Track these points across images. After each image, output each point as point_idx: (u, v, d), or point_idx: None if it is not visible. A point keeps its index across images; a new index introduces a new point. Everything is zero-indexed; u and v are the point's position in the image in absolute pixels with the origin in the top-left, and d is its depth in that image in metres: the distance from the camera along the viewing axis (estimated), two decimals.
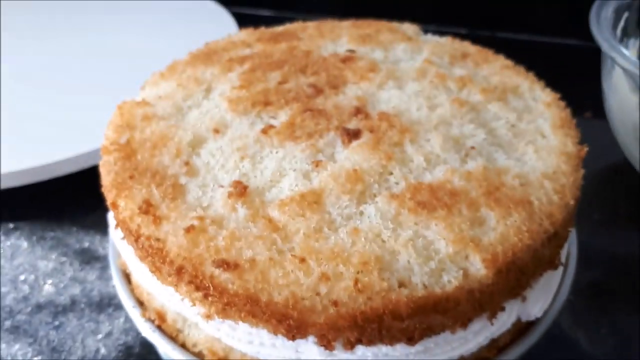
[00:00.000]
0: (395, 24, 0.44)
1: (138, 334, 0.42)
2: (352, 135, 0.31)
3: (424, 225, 0.26)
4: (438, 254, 0.25)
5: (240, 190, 0.28)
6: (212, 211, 0.27)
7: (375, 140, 0.30)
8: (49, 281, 0.46)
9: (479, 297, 0.25)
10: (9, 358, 0.40)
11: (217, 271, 0.24)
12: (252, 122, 0.33)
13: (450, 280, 0.24)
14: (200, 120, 0.33)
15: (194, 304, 0.26)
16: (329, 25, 0.44)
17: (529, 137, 0.32)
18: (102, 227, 0.51)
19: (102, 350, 0.41)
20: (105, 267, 0.47)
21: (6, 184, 0.51)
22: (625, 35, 0.53)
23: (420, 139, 0.31)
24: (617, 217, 0.52)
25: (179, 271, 0.25)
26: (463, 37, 0.78)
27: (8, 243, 0.50)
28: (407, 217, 0.26)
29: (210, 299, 0.25)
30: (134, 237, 0.27)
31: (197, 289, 0.25)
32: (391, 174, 0.29)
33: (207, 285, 0.25)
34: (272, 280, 0.24)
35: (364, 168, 0.29)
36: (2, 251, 0.49)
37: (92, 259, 0.48)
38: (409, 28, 0.44)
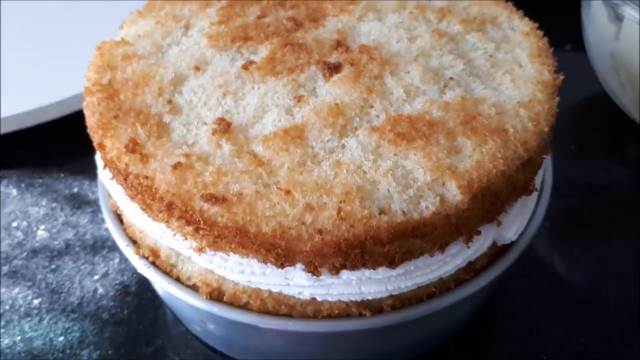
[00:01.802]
0: None
1: (133, 273, 0.43)
2: (333, 69, 0.31)
3: (403, 156, 0.27)
4: (416, 182, 0.26)
5: (224, 127, 0.28)
6: (197, 148, 0.28)
7: (356, 73, 0.31)
8: (42, 227, 0.47)
9: (455, 221, 0.26)
10: (10, 301, 0.42)
11: (206, 205, 0.25)
12: (232, 57, 0.33)
13: (428, 207, 0.25)
14: (180, 58, 0.33)
15: (186, 238, 0.27)
16: None
17: (506, 67, 0.32)
18: (89, 172, 0.51)
19: (100, 290, 0.42)
20: (95, 211, 0.48)
21: None
22: None
23: (400, 71, 0.31)
24: (593, 147, 0.53)
25: (169, 207, 0.26)
26: None
27: None
28: (387, 148, 0.27)
29: (201, 232, 0.26)
30: (123, 175, 0.28)
31: (188, 223, 0.26)
32: (372, 107, 0.29)
33: (197, 219, 0.26)
34: (260, 212, 0.25)
35: (346, 102, 0.29)
36: None
37: (82, 203, 0.49)
38: None
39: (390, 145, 0.27)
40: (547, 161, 0.35)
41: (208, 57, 0.33)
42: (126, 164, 0.28)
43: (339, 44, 0.33)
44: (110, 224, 0.35)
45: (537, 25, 0.36)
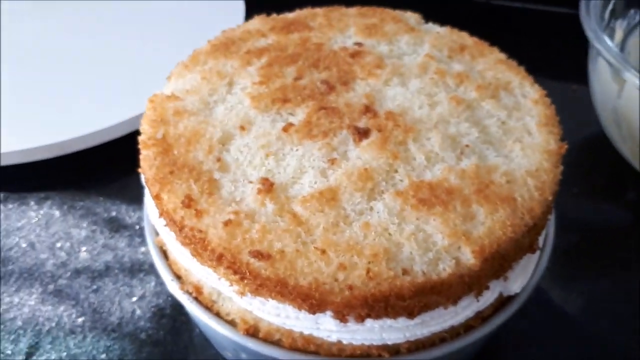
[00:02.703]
0: (398, 13, 0.47)
1: (168, 296, 0.48)
2: (362, 134, 0.35)
3: (424, 220, 0.31)
4: (435, 245, 0.30)
5: (268, 186, 0.32)
6: (244, 205, 0.32)
7: (383, 139, 0.34)
8: (84, 248, 0.51)
9: (468, 280, 0.30)
10: (57, 319, 0.46)
11: (252, 260, 0.29)
12: (273, 119, 0.37)
13: (445, 269, 0.29)
14: (227, 117, 0.37)
15: (231, 284, 0.31)
16: (337, 13, 0.47)
17: (516, 135, 0.36)
18: (126, 197, 0.56)
19: (138, 312, 0.46)
20: (132, 235, 0.52)
21: (35, 157, 0.55)
22: (614, 16, 0.56)
23: (422, 138, 0.35)
24: (594, 190, 0.56)
25: (219, 258, 0.30)
26: (459, 3, 0.81)
27: (41, 212, 0.55)
28: (410, 212, 0.31)
29: (245, 281, 0.30)
30: (178, 227, 0.32)
31: (235, 273, 0.30)
32: (396, 172, 0.33)
33: (243, 270, 0.30)
34: (299, 269, 0.29)
35: (373, 167, 0.33)
36: (37, 219, 0.54)
37: (120, 227, 0.53)
38: (411, 17, 0.47)
39: (412, 210, 0.31)
40: (550, 219, 0.39)
41: (252, 117, 0.37)
42: (182, 217, 0.32)
43: (367, 109, 0.37)
44: (156, 260, 0.39)
45: (545, 92, 0.40)
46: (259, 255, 0.29)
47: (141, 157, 0.35)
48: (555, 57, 0.70)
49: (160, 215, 0.34)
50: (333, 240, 0.30)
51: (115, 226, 0.53)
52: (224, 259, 0.30)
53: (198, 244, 0.31)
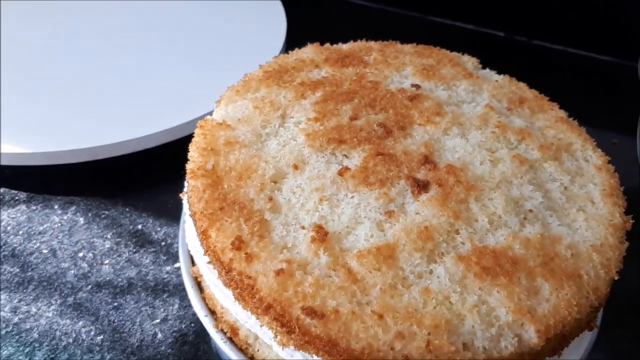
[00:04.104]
0: (455, 55, 0.46)
1: (192, 322, 0.46)
2: (422, 187, 0.34)
3: (487, 292, 0.29)
4: (498, 320, 0.28)
5: (322, 236, 0.31)
6: (296, 253, 0.30)
7: (444, 195, 0.33)
8: (107, 261, 0.50)
9: (527, 358, 0.28)
10: (74, 334, 0.44)
11: (303, 316, 0.28)
12: (327, 160, 0.35)
13: (507, 346, 0.28)
14: (280, 153, 0.35)
15: (276, 336, 0.30)
16: (392, 49, 0.46)
17: (580, 203, 0.34)
18: (153, 210, 0.54)
19: (159, 335, 0.45)
20: (157, 252, 0.51)
21: (64, 160, 0.54)
22: None
23: (484, 197, 0.33)
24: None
25: (267, 308, 0.29)
26: (500, 40, 0.79)
27: (65, 217, 0.53)
28: (473, 281, 0.29)
29: (292, 335, 0.29)
30: (225, 269, 0.30)
31: (282, 326, 0.29)
32: (458, 233, 0.32)
33: (292, 325, 0.28)
34: (353, 332, 0.27)
35: (434, 225, 0.32)
36: (60, 225, 0.52)
37: (145, 242, 0.52)
38: (469, 61, 0.46)
39: (475, 278, 0.29)
40: None
41: (305, 156, 0.35)
42: (230, 259, 0.30)
43: (427, 159, 0.35)
44: (191, 292, 0.37)
45: (608, 158, 0.38)
46: (312, 312, 0.28)
47: (189, 187, 0.34)
48: (594, 103, 0.68)
49: (206, 252, 0.32)
50: (391, 304, 0.28)
51: (141, 240, 0.52)
52: (272, 310, 0.29)
53: (245, 290, 0.30)
